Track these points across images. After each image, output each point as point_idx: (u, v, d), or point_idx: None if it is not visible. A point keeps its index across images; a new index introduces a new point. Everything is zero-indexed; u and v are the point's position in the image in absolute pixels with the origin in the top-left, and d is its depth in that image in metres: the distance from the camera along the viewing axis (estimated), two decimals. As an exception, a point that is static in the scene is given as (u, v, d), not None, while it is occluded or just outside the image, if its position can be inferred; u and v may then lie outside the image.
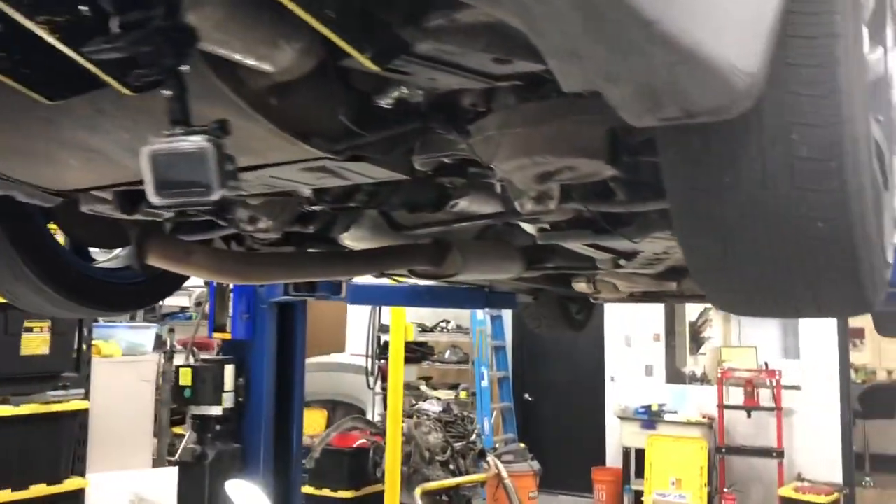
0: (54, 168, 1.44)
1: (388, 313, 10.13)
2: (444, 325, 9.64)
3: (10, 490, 4.00)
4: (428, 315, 9.77)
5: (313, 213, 2.09)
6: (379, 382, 9.65)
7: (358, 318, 10.20)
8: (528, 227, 2.02)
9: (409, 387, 8.83)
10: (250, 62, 0.95)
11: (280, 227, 2.00)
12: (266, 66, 0.97)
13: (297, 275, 2.04)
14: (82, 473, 4.41)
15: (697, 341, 10.68)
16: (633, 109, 1.01)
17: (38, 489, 4.14)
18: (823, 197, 1.07)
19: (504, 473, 7.14)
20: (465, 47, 1.04)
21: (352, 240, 2.27)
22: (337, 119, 1.22)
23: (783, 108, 1.04)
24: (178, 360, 7.45)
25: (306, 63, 1.03)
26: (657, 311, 9.12)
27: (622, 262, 2.39)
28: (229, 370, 3.66)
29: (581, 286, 3.73)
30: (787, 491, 7.59)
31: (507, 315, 9.71)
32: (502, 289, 4.04)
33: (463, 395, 8.94)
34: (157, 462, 5.54)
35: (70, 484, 4.30)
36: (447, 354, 9.53)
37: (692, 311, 10.28)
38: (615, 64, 0.92)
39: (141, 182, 1.53)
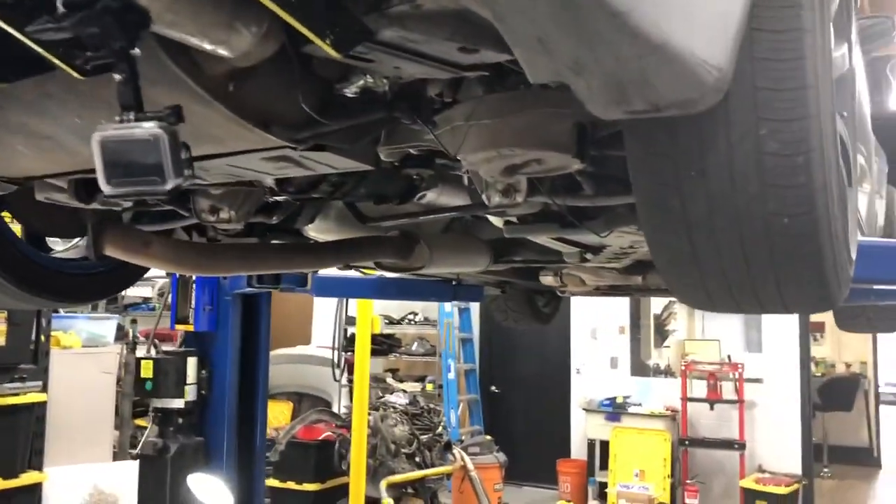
0: (4, 154, 1.39)
1: (354, 305, 10.09)
2: (411, 317, 9.62)
3: (-37, 484, 3.91)
4: (395, 307, 9.74)
5: (277, 204, 2.05)
6: (345, 375, 9.62)
7: (324, 310, 10.13)
8: (495, 220, 2.01)
9: (375, 379, 8.79)
10: (206, 46, 0.92)
11: (243, 217, 1.96)
12: (222, 51, 0.94)
13: (259, 267, 2.01)
14: (40, 467, 4.32)
15: (662, 334, 10.78)
16: (600, 102, 0.99)
17: (-6, 482, 4.05)
18: (790, 192, 1.06)
19: (470, 465, 7.15)
20: (429, 35, 1.02)
21: (317, 231, 2.24)
22: (298, 107, 1.18)
23: (752, 103, 1.03)
24: (141, 351, 7.36)
25: (265, 48, 1.00)
26: (623, 304, 9.17)
27: (588, 255, 2.39)
28: (192, 363, 3.60)
29: (548, 280, 3.72)
30: (748, 482, 7.70)
31: (474, 308, 9.71)
32: (470, 281, 4.03)
33: (430, 387, 8.93)
34: (120, 455, 5.45)
35: (27, 478, 4.22)
36: (414, 347, 9.50)
37: (657, 304, 10.37)
38: (583, 55, 0.90)
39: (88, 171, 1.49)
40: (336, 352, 9.71)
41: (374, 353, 8.39)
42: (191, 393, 3.58)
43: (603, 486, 8.26)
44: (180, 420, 3.55)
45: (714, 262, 1.18)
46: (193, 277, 3.64)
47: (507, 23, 0.87)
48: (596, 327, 9.21)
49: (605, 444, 8.43)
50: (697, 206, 1.12)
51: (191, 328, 3.65)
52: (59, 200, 1.82)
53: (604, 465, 8.42)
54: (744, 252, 1.15)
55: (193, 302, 3.63)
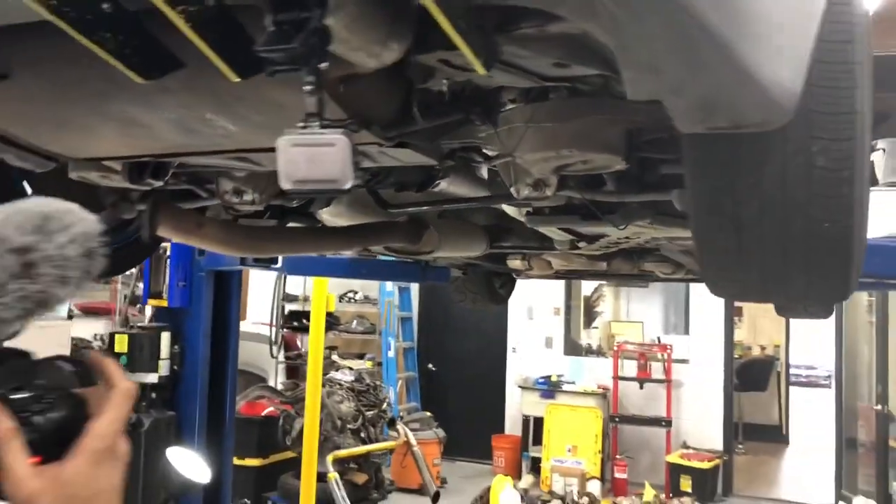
0: (85, 138, 1.44)
1: (293, 283, 10.08)
2: (351, 295, 9.68)
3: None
4: (335, 285, 9.77)
5: (297, 188, 2.12)
6: (282, 351, 9.62)
7: (259, 286, 10.08)
8: (512, 211, 2.14)
9: (314, 356, 8.82)
10: (361, 60, 1.01)
11: (265, 200, 2.03)
12: (371, 63, 1.03)
13: (295, 249, 2.08)
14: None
15: (590, 315, 11.18)
16: (688, 118, 1.13)
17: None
18: (833, 202, 1.23)
19: (413, 441, 7.31)
20: (540, 54, 1.13)
21: (330, 215, 2.32)
22: (392, 107, 1.28)
23: (807, 124, 1.19)
24: (80, 325, 7.20)
25: (393, 58, 1.09)
26: (557, 286, 9.46)
27: (582, 244, 2.55)
28: (165, 338, 3.62)
29: (515, 263, 3.88)
30: (673, 457, 8.13)
31: (414, 287, 9.85)
32: (437, 263, 4.15)
33: (369, 364, 9.03)
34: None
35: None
36: (354, 324, 9.58)
37: (587, 286, 10.73)
38: (686, 80, 1.04)
39: (169, 154, 1.56)
40: (273, 328, 9.71)
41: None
42: (164, 368, 3.60)
43: (536, 460, 8.56)
44: (154, 395, 3.57)
45: (756, 259, 1.35)
46: (168, 253, 3.65)
47: (627, 51, 0.99)
48: (532, 307, 9.47)
49: (538, 421, 8.73)
50: (750, 209, 1.28)
51: (164, 303, 3.66)
52: (91, 179, 1.85)
53: (537, 441, 8.72)
54: (784, 251, 1.31)
55: (168, 278, 3.64)
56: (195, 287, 3.69)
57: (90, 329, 7.55)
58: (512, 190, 1.82)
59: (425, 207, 2.13)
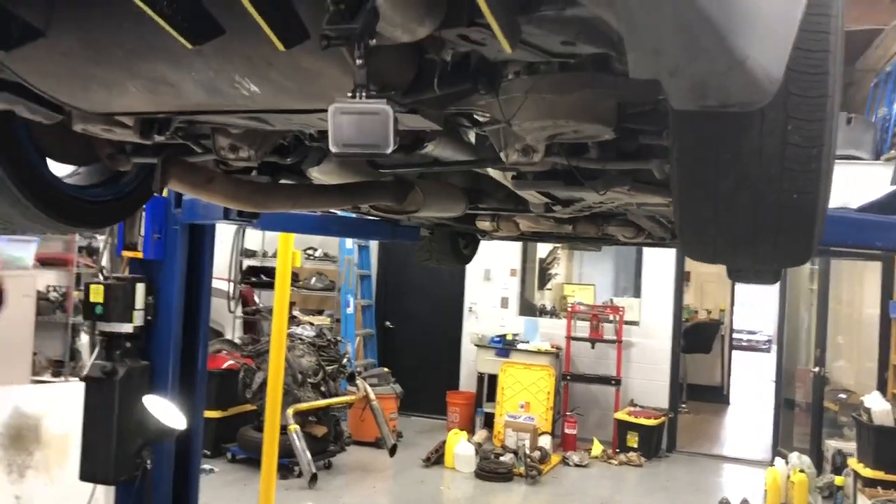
0: (110, 94, 1.50)
1: (251, 238, 10.07)
2: (310, 252, 9.72)
3: None
4: (295, 242, 9.79)
5: (290, 146, 2.21)
6: (240, 306, 9.65)
7: (217, 241, 10.02)
8: (497, 175, 2.25)
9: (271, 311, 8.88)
10: (399, 35, 1.11)
11: (260, 157, 2.11)
12: (405, 38, 1.13)
13: (297, 205, 2.16)
14: (-41, 388, 4.27)
15: (545, 277, 11.42)
16: (682, 97, 1.25)
17: (-84, 403, 3.99)
18: (803, 176, 1.38)
19: (372, 395, 7.48)
20: (554, 33, 1.25)
21: (320, 174, 2.41)
22: (409, 77, 1.38)
23: (783, 105, 1.33)
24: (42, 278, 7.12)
25: (426, 34, 1.19)
26: (514, 248, 9.65)
27: (556, 207, 2.68)
28: (140, 289, 3.66)
29: (484, 224, 4.01)
30: (621, 415, 8.46)
31: (373, 246, 9.94)
32: (409, 223, 4.26)
33: (328, 320, 9.12)
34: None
35: (-51, 399, 4.17)
36: (313, 281, 9.64)
37: (543, 249, 10.96)
38: (684, 63, 1.16)
39: (188, 112, 1.64)
40: (231, 283, 9.72)
41: (270, 286, 8.49)
42: (138, 318, 3.65)
43: (490, 416, 8.81)
44: (128, 344, 3.61)
45: (729, 226, 1.49)
46: (143, 206, 3.67)
47: (634, 35, 1.11)
48: (489, 269, 9.65)
49: (493, 378, 8.96)
50: (727, 180, 1.42)
51: (139, 255, 3.69)
52: (93, 132, 1.92)
53: (491, 398, 8.96)
54: (755, 219, 1.46)
55: (143, 230, 3.67)
56: (170, 240, 3.73)
57: (46, 280, 7.49)
58: (501, 154, 1.94)
59: (417, 168, 2.23)
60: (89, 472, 3.52)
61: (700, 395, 11.74)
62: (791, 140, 1.36)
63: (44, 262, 7.55)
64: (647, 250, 9.01)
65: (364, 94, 1.03)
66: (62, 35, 1.33)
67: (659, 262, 8.98)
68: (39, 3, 1.27)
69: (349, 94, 1.03)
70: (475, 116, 1.95)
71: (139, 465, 3.54)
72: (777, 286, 8.76)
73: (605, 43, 1.27)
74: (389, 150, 1.04)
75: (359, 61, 1.01)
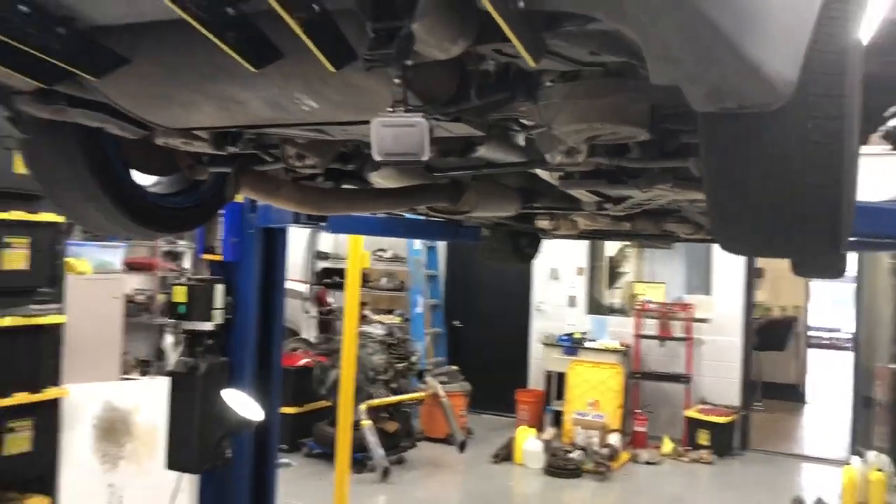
0: (185, 111, 1.69)
1: (324, 242, 10.37)
2: (380, 253, 9.96)
3: (-5, 395, 4.20)
4: (365, 244, 10.05)
5: (351, 154, 2.37)
6: (314, 307, 9.98)
7: (291, 245, 10.39)
8: (545, 175, 2.37)
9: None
10: (434, 54, 1.24)
11: (325, 164, 2.28)
12: (441, 56, 1.26)
13: (354, 207, 2.33)
14: (59, 383, 4.60)
15: (614, 276, 11.39)
16: (701, 100, 1.35)
17: (21, 397, 4.32)
18: (826, 171, 1.46)
19: (441, 392, 7.65)
20: (577, 45, 1.36)
21: (380, 178, 2.56)
22: (450, 89, 1.52)
23: (803, 105, 1.41)
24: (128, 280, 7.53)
25: (460, 52, 1.32)
26: (581, 246, 9.69)
27: (608, 205, 2.77)
28: (220, 289, 3.90)
29: (543, 223, 4.10)
30: (692, 412, 8.40)
31: (441, 247, 10.12)
32: (469, 223, 4.39)
33: (398, 320, 9.34)
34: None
35: (49, 393, 4.49)
36: (383, 282, 9.88)
37: (611, 248, 10.94)
38: (700, 71, 1.26)
39: (256, 126, 1.81)
40: (306, 285, 10.05)
41: (342, 286, 8.76)
42: (218, 317, 3.88)
43: (558, 414, 8.87)
44: (209, 341, 3.86)
45: (758, 218, 1.57)
46: (221, 212, 3.91)
47: (650, 46, 1.22)
48: (556, 268, 9.71)
49: (561, 377, 9.02)
50: (754, 176, 1.50)
51: (218, 258, 3.93)
52: (173, 145, 2.11)
53: (559, 396, 9.02)
54: (783, 213, 1.54)
55: (221, 235, 3.91)
56: (246, 243, 3.96)
57: (133, 283, 7.92)
58: (547, 156, 2.06)
59: (468, 171, 2.36)
60: (175, 462, 3.77)
61: (775, 393, 11.50)
62: (812, 137, 1.43)
63: (131, 266, 7.98)
64: (716, 247, 8.92)
65: (402, 108, 1.16)
66: (144, 62, 1.51)
67: (729, 259, 8.87)
68: (125, 36, 1.46)
69: (389, 109, 1.17)
70: (521, 121, 2.07)
71: (221, 455, 3.77)
72: (854, 283, 8.56)
73: (627, 52, 1.38)
74: (426, 159, 1.17)
75: (396, 80, 1.14)
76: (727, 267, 8.90)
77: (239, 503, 3.92)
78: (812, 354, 13.24)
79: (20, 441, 4.36)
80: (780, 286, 12.43)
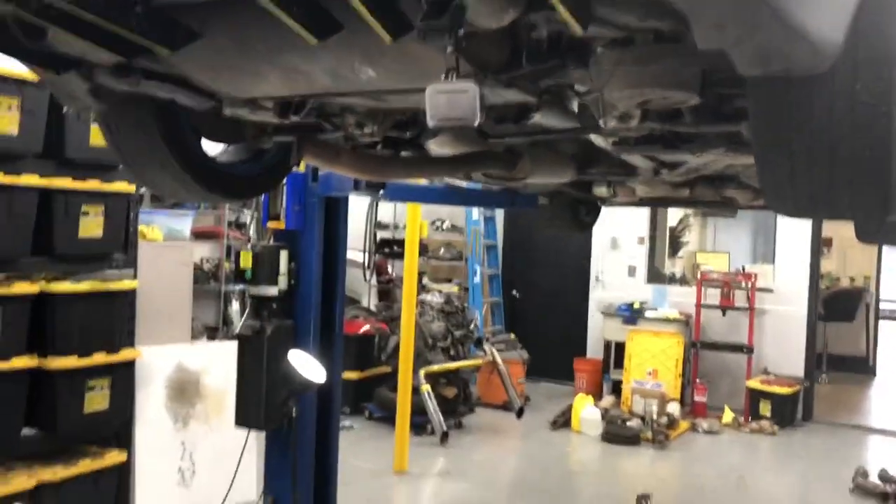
0: (253, 81, 1.79)
1: (383, 212, 10.52)
2: (438, 223, 10.06)
3: (75, 356, 4.44)
4: (423, 214, 10.17)
5: (408, 122, 2.45)
6: (374, 276, 10.14)
7: (351, 215, 10.54)
8: (600, 141, 2.40)
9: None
10: (484, 23, 1.30)
11: (383, 132, 2.37)
12: (492, 25, 1.32)
13: (414, 174, 2.42)
14: (132, 345, 4.84)
15: (675, 245, 11.27)
16: (747, 65, 1.39)
17: (99, 357, 4.58)
18: (874, 133, 1.47)
19: (499, 360, 7.75)
20: (624, 12, 1.40)
21: (436, 146, 2.64)
22: (502, 56, 1.57)
23: (852, 67, 1.43)
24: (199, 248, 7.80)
25: (510, 20, 1.38)
26: (642, 215, 9.61)
27: (664, 171, 2.79)
28: (284, 255, 4.05)
29: (601, 190, 4.12)
30: (754, 383, 8.32)
31: (499, 216, 10.16)
32: (526, 190, 4.44)
33: (456, 289, 9.45)
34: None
35: (125, 354, 4.74)
36: (441, 251, 9.98)
37: (672, 217, 10.82)
38: (745, 35, 1.29)
39: (317, 95, 1.89)
40: (366, 254, 10.22)
41: (401, 256, 8.90)
42: (283, 282, 4.04)
43: (617, 383, 8.88)
44: (274, 305, 4.02)
45: (806, 180, 1.60)
46: (284, 181, 4.05)
47: (696, 13, 1.25)
48: (616, 237, 9.66)
49: (619, 346, 9.01)
50: (802, 138, 1.53)
51: (282, 226, 4.08)
52: (240, 115, 2.22)
53: (618, 365, 9.02)
54: (830, 174, 1.56)
55: (285, 203, 4.04)
56: (308, 211, 4.09)
57: (200, 252, 8.19)
58: (600, 122, 2.10)
59: (523, 138, 2.41)
60: (244, 419, 3.96)
61: (842, 365, 11.27)
62: (860, 99, 1.45)
63: (198, 235, 8.25)
64: (781, 216, 8.76)
65: (455, 75, 1.23)
66: (215, 35, 1.61)
67: (795, 228, 8.70)
68: (198, 12, 1.56)
69: (443, 76, 1.24)
70: (575, 87, 2.11)
71: (287, 415, 3.94)
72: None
73: (674, 18, 1.41)
74: (476, 123, 1.24)
75: (449, 48, 1.21)
76: (792, 236, 8.73)
77: (303, 461, 4.09)
78: (883, 327, 12.90)
79: (99, 399, 4.61)
80: (849, 256, 12.12)
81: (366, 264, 10.05)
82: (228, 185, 2.51)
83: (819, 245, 8.91)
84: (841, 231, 10.98)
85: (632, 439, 7.39)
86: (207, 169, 2.43)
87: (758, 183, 1.71)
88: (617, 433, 7.45)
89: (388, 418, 6.98)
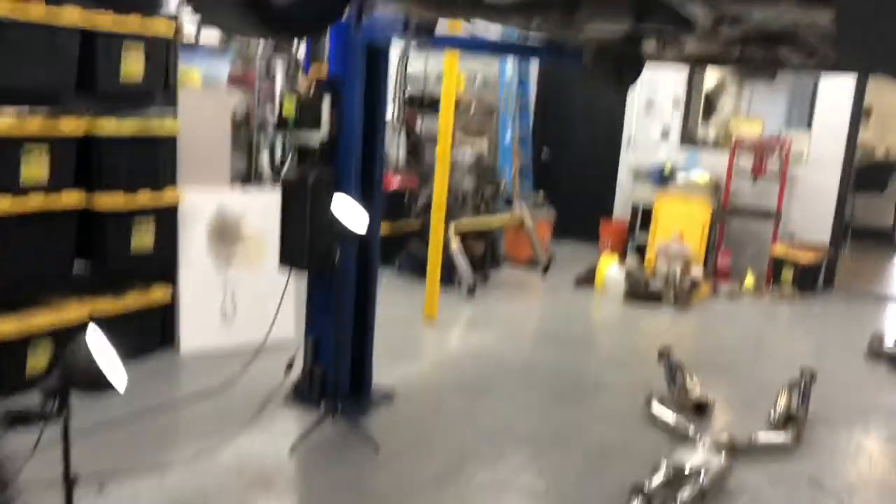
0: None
1: (416, 63, 10.35)
2: (472, 79, 9.88)
3: (122, 193, 4.57)
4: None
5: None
6: (403, 131, 10.11)
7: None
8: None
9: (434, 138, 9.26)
10: None
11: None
12: None
13: (477, 15, 2.38)
14: (175, 185, 4.96)
15: (710, 109, 11.06)
16: None
17: (144, 195, 4.70)
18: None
19: (527, 217, 7.84)
20: None
21: (496, -9, 2.58)
22: None
23: None
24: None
25: None
26: (678, 79, 9.40)
27: (723, 26, 2.72)
28: (326, 101, 4.05)
29: (650, 45, 4.04)
30: (778, 249, 8.40)
31: (532, 74, 9.97)
32: (573, 43, 4.35)
33: (486, 145, 9.40)
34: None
35: (169, 194, 4.86)
36: (472, 108, 9.86)
37: (709, 81, 10.55)
38: None
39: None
40: (395, 107, 10.13)
41: (430, 111, 8.82)
42: (325, 129, 4.06)
43: (642, 247, 8.98)
44: (317, 153, 4.07)
45: (887, 30, 1.57)
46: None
47: None
48: (651, 100, 9.49)
49: (646, 212, 9.04)
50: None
51: (324, 75, 4.05)
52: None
53: (644, 228, 9.09)
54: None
55: (328, 50, 4.00)
56: (350, 58, 4.05)
57: (232, 100, 8.15)
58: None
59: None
60: (288, 259, 4.10)
61: (867, 237, 11.30)
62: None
63: (230, 81, 8.19)
64: (822, 83, 8.53)
65: None
66: None
67: (835, 94, 8.50)
68: None
69: None
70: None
71: (330, 258, 4.06)
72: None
73: None
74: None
75: None
76: (831, 103, 8.54)
77: (345, 304, 4.26)
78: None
79: (144, 238, 4.78)
80: (888, 125, 11.86)
81: (395, 115, 10.01)
82: (284, 22, 2.49)
83: (860, 112, 8.71)
84: (883, 98, 10.71)
85: (654, 299, 7.56)
86: (264, 8, 2.41)
87: (835, 33, 1.67)
88: (639, 293, 7.63)
89: (417, 270, 7.17)
